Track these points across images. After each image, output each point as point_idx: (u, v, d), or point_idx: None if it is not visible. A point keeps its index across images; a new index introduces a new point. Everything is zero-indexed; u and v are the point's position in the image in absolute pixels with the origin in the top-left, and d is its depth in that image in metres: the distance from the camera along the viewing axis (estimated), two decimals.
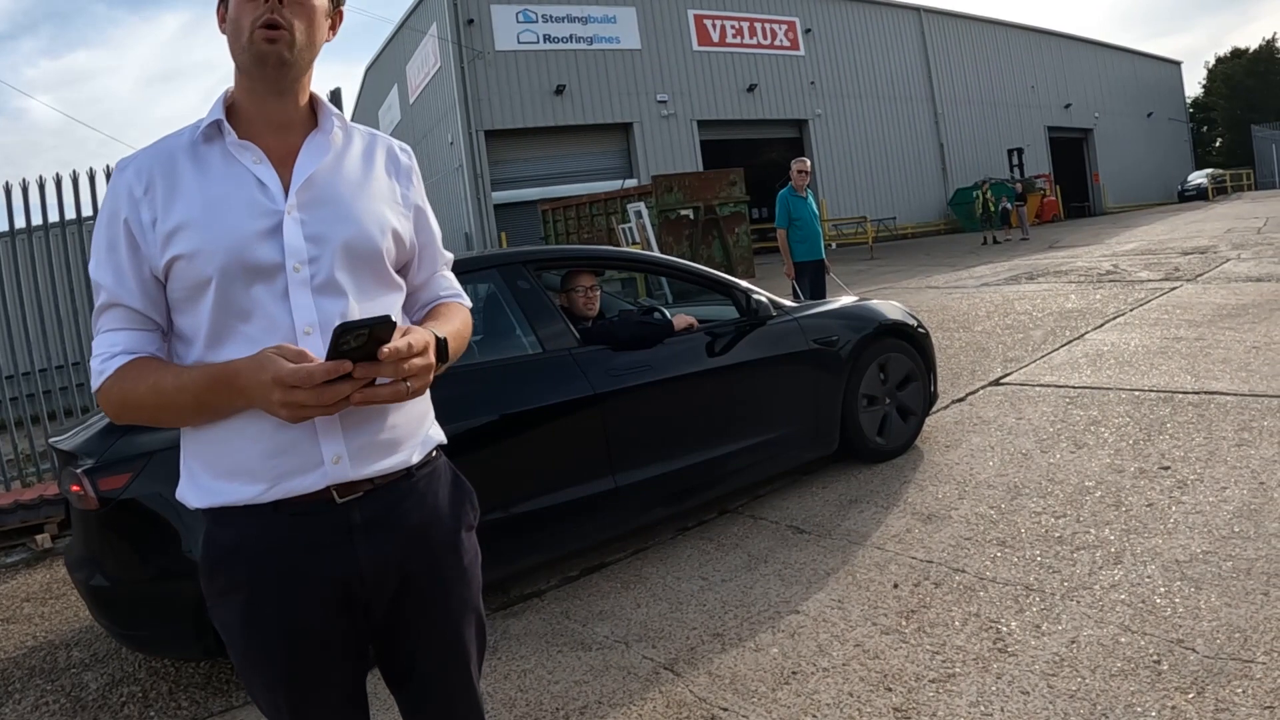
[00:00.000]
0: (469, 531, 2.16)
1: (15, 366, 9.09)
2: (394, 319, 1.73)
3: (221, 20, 1.91)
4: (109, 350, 1.86)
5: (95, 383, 1.87)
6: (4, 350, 9.06)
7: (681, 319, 5.69)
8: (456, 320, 2.10)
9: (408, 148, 2.20)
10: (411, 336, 1.77)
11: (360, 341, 1.64)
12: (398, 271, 2.08)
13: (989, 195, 33.24)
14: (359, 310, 1.91)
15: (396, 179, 2.11)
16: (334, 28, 2.03)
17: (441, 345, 1.88)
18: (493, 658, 4.33)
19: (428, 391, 1.97)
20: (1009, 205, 33.03)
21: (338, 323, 1.71)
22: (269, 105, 1.94)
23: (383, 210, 2.02)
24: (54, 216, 9.20)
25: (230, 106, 1.96)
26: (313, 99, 2.02)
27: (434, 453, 2.11)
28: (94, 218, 8.85)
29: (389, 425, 1.94)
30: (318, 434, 1.85)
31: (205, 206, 1.83)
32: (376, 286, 1.98)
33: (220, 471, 1.89)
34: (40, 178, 8.90)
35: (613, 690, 3.92)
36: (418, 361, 1.76)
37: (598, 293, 5.88)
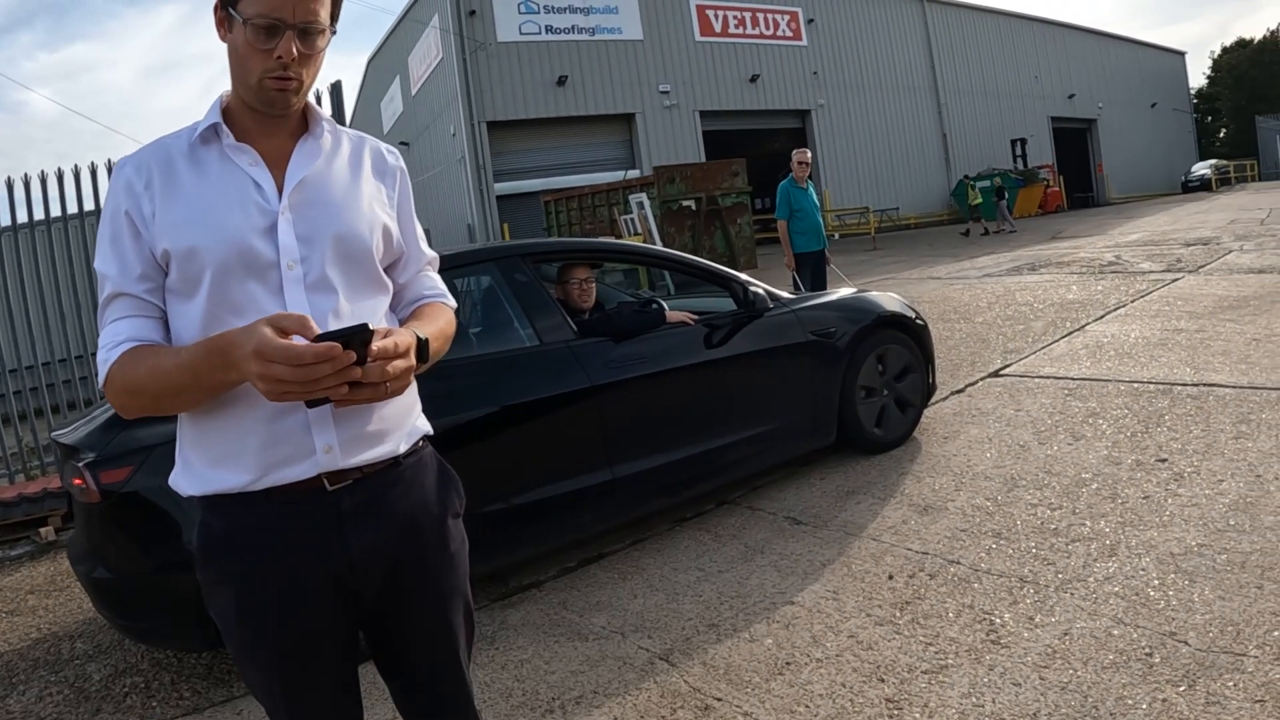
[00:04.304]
0: (456, 519, 2.20)
1: (19, 360, 9.12)
2: (376, 322, 1.77)
3: (220, 25, 1.94)
4: (113, 340, 1.88)
5: (101, 373, 1.88)
6: (7, 344, 9.08)
7: (677, 314, 5.69)
8: (441, 320, 2.14)
9: (395, 150, 2.25)
10: (395, 337, 1.80)
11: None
12: (385, 270, 2.13)
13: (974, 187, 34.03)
14: (349, 307, 1.96)
15: (383, 180, 2.16)
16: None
17: (423, 345, 1.91)
18: (490, 648, 4.35)
19: (414, 385, 2.02)
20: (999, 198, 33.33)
21: (335, 323, 1.76)
22: (265, 117, 1.99)
23: (371, 210, 2.06)
24: (55, 211, 9.23)
25: (226, 109, 2.00)
26: (304, 104, 2.06)
27: (420, 443, 2.15)
28: (96, 212, 8.94)
29: (378, 417, 1.99)
30: (310, 425, 1.89)
31: (203, 205, 1.88)
32: (366, 285, 2.03)
33: (214, 459, 1.93)
34: (42, 172, 8.93)
35: (608, 680, 3.94)
36: (400, 364, 1.78)
37: (593, 285, 5.88)
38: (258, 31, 1.85)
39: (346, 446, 1.93)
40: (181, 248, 1.85)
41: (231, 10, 1.88)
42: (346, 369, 1.67)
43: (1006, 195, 33.81)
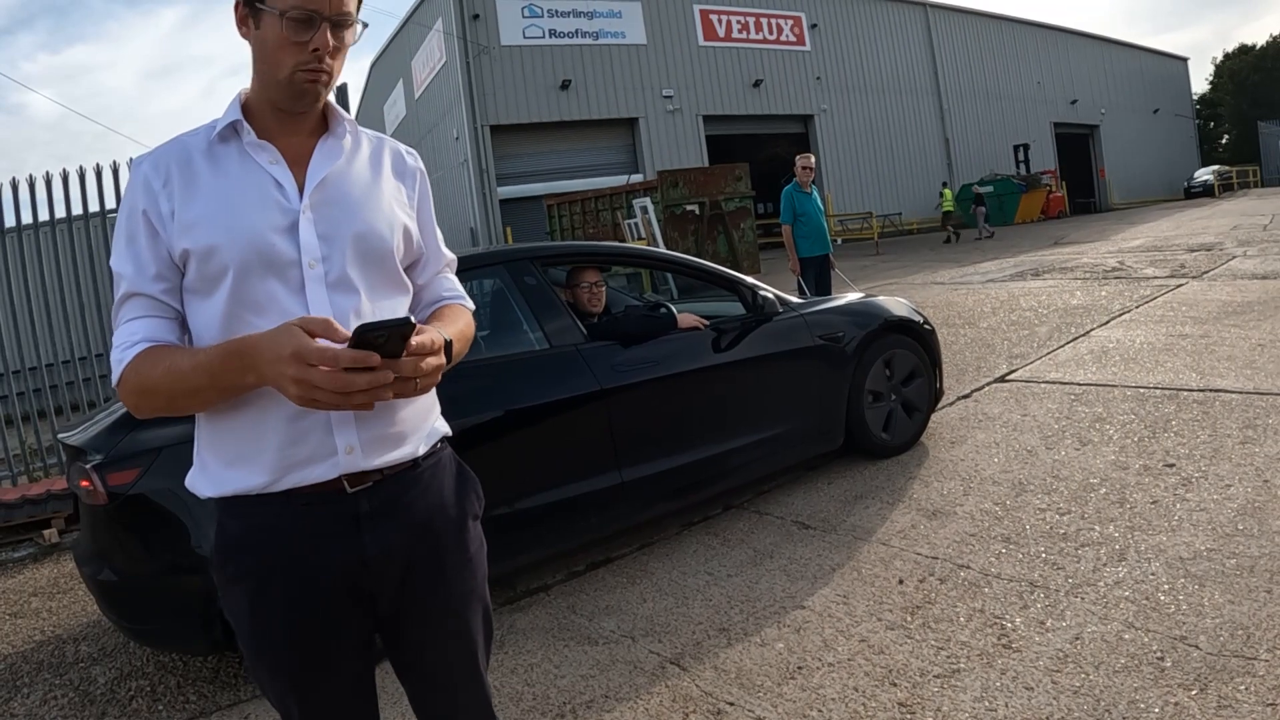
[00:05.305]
0: (474, 521, 2.20)
1: (22, 361, 9.11)
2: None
3: (242, 22, 1.93)
4: (129, 339, 1.87)
5: (115, 373, 1.87)
6: (11, 345, 9.07)
7: (688, 318, 5.69)
8: (461, 322, 2.13)
9: (414, 151, 2.27)
10: (431, 334, 1.80)
11: (380, 342, 1.66)
12: (405, 271, 2.12)
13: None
14: (370, 306, 1.95)
15: (403, 181, 2.16)
16: None
17: (448, 347, 1.90)
18: (499, 652, 4.35)
19: (434, 387, 2.00)
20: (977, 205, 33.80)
21: (357, 323, 1.74)
22: (287, 115, 1.99)
23: (392, 210, 2.06)
24: (60, 212, 9.19)
25: (245, 107, 1.99)
26: (325, 103, 2.05)
27: (439, 444, 2.15)
28: (100, 213, 8.92)
29: (399, 418, 1.98)
30: (332, 425, 1.88)
31: (223, 202, 1.87)
32: (386, 285, 2.03)
33: (233, 460, 1.92)
34: (46, 173, 8.91)
35: (619, 684, 3.94)
36: (433, 361, 1.78)
37: (603, 289, 5.88)
38: (294, 24, 1.85)
39: (368, 447, 1.93)
40: (201, 246, 1.84)
41: (260, 5, 1.87)
42: (380, 376, 1.67)
43: (986, 205, 34.10)
